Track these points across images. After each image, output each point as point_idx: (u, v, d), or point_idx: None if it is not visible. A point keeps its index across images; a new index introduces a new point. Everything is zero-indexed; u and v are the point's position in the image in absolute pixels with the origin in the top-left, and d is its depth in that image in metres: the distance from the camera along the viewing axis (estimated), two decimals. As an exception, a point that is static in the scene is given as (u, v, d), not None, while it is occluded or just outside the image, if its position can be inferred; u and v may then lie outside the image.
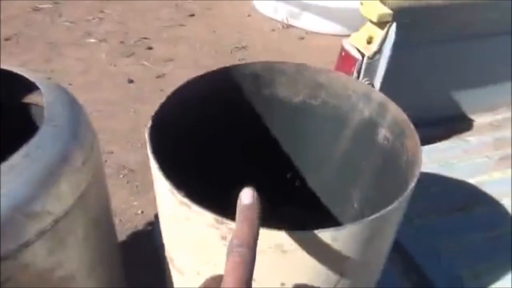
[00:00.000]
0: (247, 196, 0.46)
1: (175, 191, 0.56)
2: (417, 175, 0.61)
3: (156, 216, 0.93)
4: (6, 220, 0.48)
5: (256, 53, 2.82)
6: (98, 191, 0.69)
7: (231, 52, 2.82)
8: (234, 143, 0.82)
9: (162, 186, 0.59)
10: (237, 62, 2.74)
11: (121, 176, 1.94)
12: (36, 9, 3.06)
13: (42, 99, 0.81)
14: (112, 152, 2.04)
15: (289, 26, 3.10)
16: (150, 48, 2.80)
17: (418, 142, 0.68)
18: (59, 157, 0.58)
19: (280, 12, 3.13)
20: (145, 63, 2.68)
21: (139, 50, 2.78)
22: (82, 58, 2.68)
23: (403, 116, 0.74)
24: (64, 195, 0.59)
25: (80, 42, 2.81)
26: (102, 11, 3.11)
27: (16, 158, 0.54)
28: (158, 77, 2.59)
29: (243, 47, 2.87)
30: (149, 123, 0.67)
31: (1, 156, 0.86)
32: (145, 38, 2.89)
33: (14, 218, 0.49)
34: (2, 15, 2.97)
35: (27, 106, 0.85)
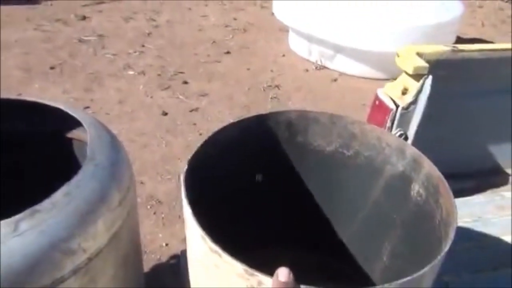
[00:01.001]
0: (283, 274, 0.50)
1: (207, 238, 0.57)
2: (451, 238, 0.60)
3: (183, 253, 0.93)
4: (44, 256, 0.50)
5: (289, 92, 2.86)
6: (130, 230, 0.71)
7: (264, 90, 2.87)
8: (267, 189, 0.83)
9: (194, 231, 0.60)
10: (269, 100, 2.79)
11: (149, 207, 1.97)
12: (81, 41, 3.22)
13: (84, 135, 0.84)
14: (142, 182, 2.08)
15: (322, 67, 3.14)
16: (185, 83, 2.89)
17: (453, 202, 0.67)
18: (97, 197, 0.60)
19: (314, 54, 3.19)
20: (180, 96, 2.76)
21: (175, 84, 2.87)
22: (121, 89, 2.79)
23: (437, 173, 0.73)
24: (99, 233, 0.60)
25: (120, 73, 2.93)
26: (143, 45, 3.25)
27: (57, 196, 0.56)
28: (191, 110, 2.65)
29: (276, 86, 2.92)
30: (185, 167, 0.69)
31: (44, 190, 0.89)
32: (182, 73, 2.99)
33: (52, 255, 0.51)
34: (49, 45, 3.15)
35: (70, 140, 0.89)
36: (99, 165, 0.64)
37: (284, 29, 3.52)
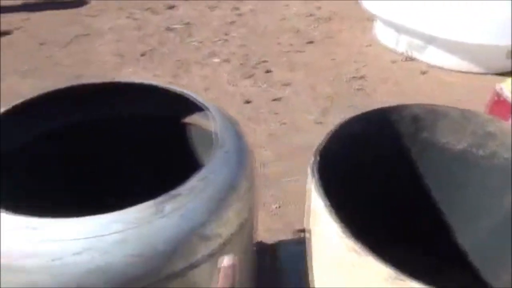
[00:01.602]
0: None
1: (345, 235, 0.55)
2: None
3: (280, 246, 0.90)
4: (184, 240, 0.50)
5: (374, 84, 2.76)
6: (252, 219, 0.70)
7: (348, 81, 2.79)
8: (387, 188, 0.79)
9: (328, 227, 0.58)
10: (354, 92, 2.71)
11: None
12: (169, 29, 3.33)
13: (204, 121, 0.85)
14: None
15: (410, 59, 2.99)
16: (269, 71, 2.88)
17: None
18: (228, 184, 0.60)
19: (402, 44, 3.04)
20: (263, 85, 2.76)
21: (258, 73, 2.87)
22: (206, 76, 2.84)
23: None
24: (230, 220, 0.60)
25: (205, 61, 2.99)
26: (227, 34, 3.29)
27: (194, 181, 0.56)
28: (274, 100, 2.64)
29: (361, 77, 2.83)
30: (312, 159, 0.67)
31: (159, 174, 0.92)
32: (265, 61, 2.99)
33: (190, 239, 0.51)
34: (140, 33, 3.29)
35: (185, 125, 0.90)
36: (229, 152, 0.64)
37: (370, 18, 3.39)
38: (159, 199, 0.53)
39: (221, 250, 0.58)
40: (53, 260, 0.44)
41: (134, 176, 0.93)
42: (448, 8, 2.73)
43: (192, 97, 0.79)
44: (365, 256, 0.53)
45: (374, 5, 3.07)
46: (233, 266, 0.49)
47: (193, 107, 0.84)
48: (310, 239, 0.68)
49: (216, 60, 3.00)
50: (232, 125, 0.73)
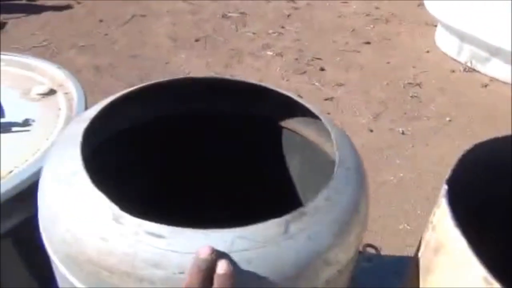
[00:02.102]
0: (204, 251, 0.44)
1: (493, 282, 0.49)
2: None
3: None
4: (309, 264, 0.47)
5: (431, 93, 2.66)
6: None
7: (404, 87, 2.71)
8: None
9: (472, 271, 0.53)
10: (409, 99, 2.63)
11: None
12: (225, 16, 3.31)
13: (302, 128, 0.82)
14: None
15: (471, 70, 2.86)
16: (322, 70, 2.83)
17: None
18: (352, 204, 0.55)
19: (464, 53, 2.92)
20: (316, 83, 2.71)
21: (311, 70, 2.83)
22: (259, 68, 2.82)
23: None
24: (351, 246, 0.55)
25: (258, 53, 2.96)
26: (282, 27, 3.24)
27: (319, 200, 0.53)
28: (326, 99, 2.59)
29: (417, 84, 2.73)
30: (445, 188, 0.61)
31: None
32: (319, 59, 2.93)
33: (315, 263, 0.48)
34: (196, 18, 3.29)
35: (281, 129, 0.87)
36: (350, 169, 0.60)
37: (431, 23, 3.26)
38: (285, 217, 0.49)
39: (336, 277, 0.55)
40: (179, 272, 0.43)
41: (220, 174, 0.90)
42: (518, 20, 2.59)
43: (301, 103, 0.75)
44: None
45: (438, 9, 2.95)
46: (228, 274, 0.44)
47: (298, 112, 0.80)
48: (425, 271, 0.64)
49: (270, 53, 2.97)
50: (348, 138, 0.69)
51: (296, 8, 3.52)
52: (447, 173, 0.62)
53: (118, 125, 0.78)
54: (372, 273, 0.95)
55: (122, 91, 0.72)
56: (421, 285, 0.67)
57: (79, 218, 0.49)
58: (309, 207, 0.50)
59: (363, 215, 0.58)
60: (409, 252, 1.66)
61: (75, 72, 1.21)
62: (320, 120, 0.70)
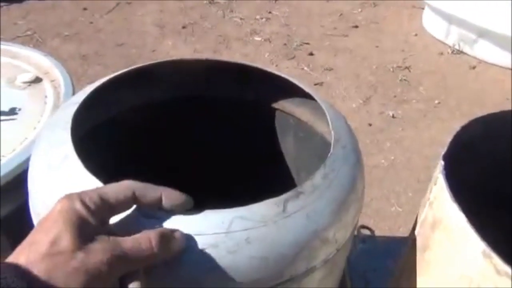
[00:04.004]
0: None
1: (493, 257, 0.49)
2: None
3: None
4: (307, 243, 0.47)
5: (420, 76, 2.67)
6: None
7: (393, 70, 2.71)
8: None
9: (469, 244, 0.52)
10: (398, 82, 2.63)
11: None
12: (212, 2, 3.27)
13: (297, 110, 0.81)
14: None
15: (459, 52, 2.88)
16: (311, 54, 2.81)
17: None
18: (349, 183, 0.54)
19: (452, 36, 2.92)
20: (305, 68, 2.70)
21: (300, 55, 2.81)
22: (247, 54, 2.79)
23: None
24: (348, 224, 0.54)
25: (246, 38, 2.93)
26: (269, 12, 3.21)
27: (317, 178, 0.52)
28: (315, 84, 2.58)
29: (406, 68, 2.74)
30: (441, 163, 0.60)
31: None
32: (307, 44, 2.92)
33: (313, 242, 0.47)
34: (182, 4, 3.24)
35: (274, 111, 0.85)
36: (346, 147, 0.58)
37: (418, 6, 3.26)
38: (283, 196, 0.48)
39: (334, 256, 0.54)
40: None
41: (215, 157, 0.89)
42: (504, 0, 2.60)
43: (297, 82, 0.74)
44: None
45: (425, -7, 2.95)
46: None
47: (291, 93, 0.79)
48: (422, 248, 0.64)
49: (258, 38, 2.94)
50: (343, 117, 0.68)
51: (283, -7, 3.48)
52: (437, 154, 0.62)
53: (108, 110, 0.76)
54: (366, 254, 0.95)
55: (110, 75, 0.71)
56: (418, 262, 0.67)
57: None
58: (307, 185, 0.49)
59: (360, 193, 0.57)
60: (402, 233, 1.67)
61: (60, 61, 1.19)
62: (314, 100, 0.69)
